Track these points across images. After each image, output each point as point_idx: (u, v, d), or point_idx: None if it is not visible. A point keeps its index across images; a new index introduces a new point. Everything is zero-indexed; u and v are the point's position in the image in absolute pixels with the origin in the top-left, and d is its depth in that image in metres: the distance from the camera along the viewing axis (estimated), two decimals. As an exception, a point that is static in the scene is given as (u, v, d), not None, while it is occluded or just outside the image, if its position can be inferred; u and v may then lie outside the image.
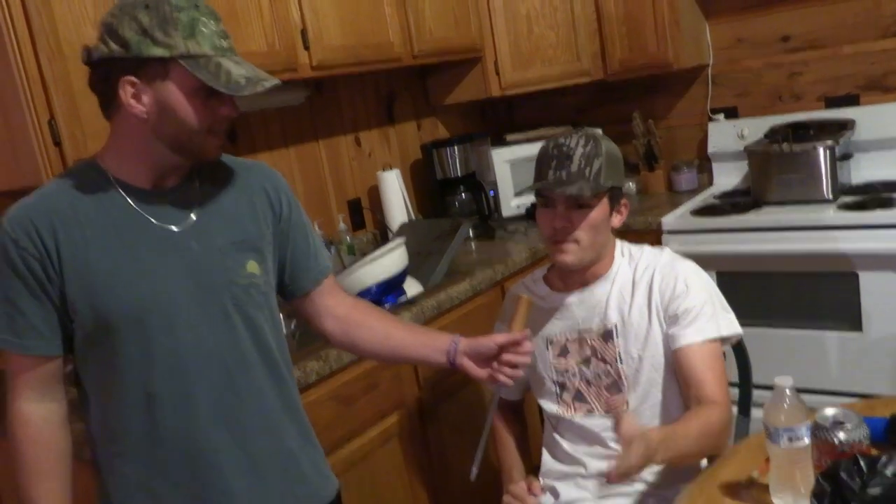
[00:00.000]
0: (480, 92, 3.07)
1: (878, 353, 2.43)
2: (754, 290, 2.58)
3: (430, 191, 3.13)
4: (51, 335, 1.25)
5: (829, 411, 1.17)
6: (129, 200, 1.26)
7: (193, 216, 1.30)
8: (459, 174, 3.03)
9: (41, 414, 1.27)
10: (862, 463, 1.06)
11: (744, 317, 1.63)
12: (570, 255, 1.59)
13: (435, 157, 3.03)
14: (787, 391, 1.22)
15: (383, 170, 2.88)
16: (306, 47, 2.27)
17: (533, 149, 3.14)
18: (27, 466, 1.27)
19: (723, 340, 1.58)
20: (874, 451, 1.10)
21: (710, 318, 1.55)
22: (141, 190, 1.27)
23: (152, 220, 1.27)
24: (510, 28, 3.02)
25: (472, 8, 2.93)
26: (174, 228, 1.28)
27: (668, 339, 1.57)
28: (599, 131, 1.64)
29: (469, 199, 3.04)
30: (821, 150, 2.61)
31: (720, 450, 1.48)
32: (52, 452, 1.28)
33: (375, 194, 2.92)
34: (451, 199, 3.06)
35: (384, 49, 2.54)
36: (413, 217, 2.89)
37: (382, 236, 2.89)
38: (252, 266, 1.34)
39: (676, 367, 1.56)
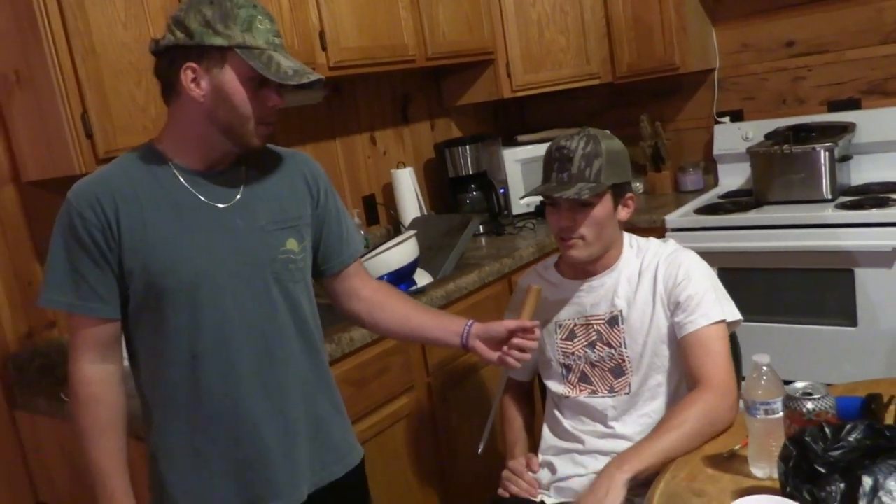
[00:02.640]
0: (492, 93, 3.17)
1: (872, 348, 2.51)
2: (754, 285, 2.67)
3: (443, 188, 3.24)
4: (110, 300, 1.36)
5: (799, 384, 1.26)
6: (183, 180, 1.38)
7: (239, 196, 1.43)
8: (471, 172, 3.13)
9: (100, 375, 1.39)
10: (827, 430, 1.15)
11: (743, 311, 1.70)
12: (577, 250, 1.68)
13: (448, 156, 3.14)
14: (764, 367, 1.31)
15: (397, 167, 3.00)
16: (324, 48, 2.39)
17: (543, 149, 3.25)
18: (87, 424, 1.39)
19: (727, 325, 1.64)
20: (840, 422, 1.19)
21: (712, 303, 1.63)
22: (193, 171, 1.40)
23: (202, 198, 1.39)
24: (522, 32, 3.12)
25: (485, 12, 3.04)
26: (222, 206, 1.40)
27: (673, 328, 1.65)
28: (603, 131, 1.70)
29: (480, 196, 3.15)
30: (821, 152, 2.69)
31: (720, 427, 1.51)
32: (110, 410, 1.40)
33: (389, 191, 3.04)
34: (462, 197, 3.17)
35: (399, 50, 2.65)
36: (425, 213, 3.00)
37: (395, 231, 3.00)
38: (291, 244, 1.46)
39: (681, 353, 1.64)
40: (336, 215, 1.59)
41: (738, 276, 2.65)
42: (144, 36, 1.93)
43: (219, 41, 1.30)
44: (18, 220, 2.03)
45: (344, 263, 1.61)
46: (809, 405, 1.21)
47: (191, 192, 1.39)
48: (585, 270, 1.76)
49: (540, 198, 1.77)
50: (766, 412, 1.29)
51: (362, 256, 2.32)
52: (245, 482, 1.42)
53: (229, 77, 1.32)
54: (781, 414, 1.28)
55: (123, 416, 1.42)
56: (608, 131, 1.73)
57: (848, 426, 1.15)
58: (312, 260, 1.56)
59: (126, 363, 1.48)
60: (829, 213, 2.57)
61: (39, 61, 1.81)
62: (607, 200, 1.67)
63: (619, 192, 1.70)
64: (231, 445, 1.41)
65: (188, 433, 1.41)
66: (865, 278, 2.49)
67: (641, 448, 1.49)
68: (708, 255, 1.74)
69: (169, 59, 1.34)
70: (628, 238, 1.79)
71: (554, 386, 1.80)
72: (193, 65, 1.31)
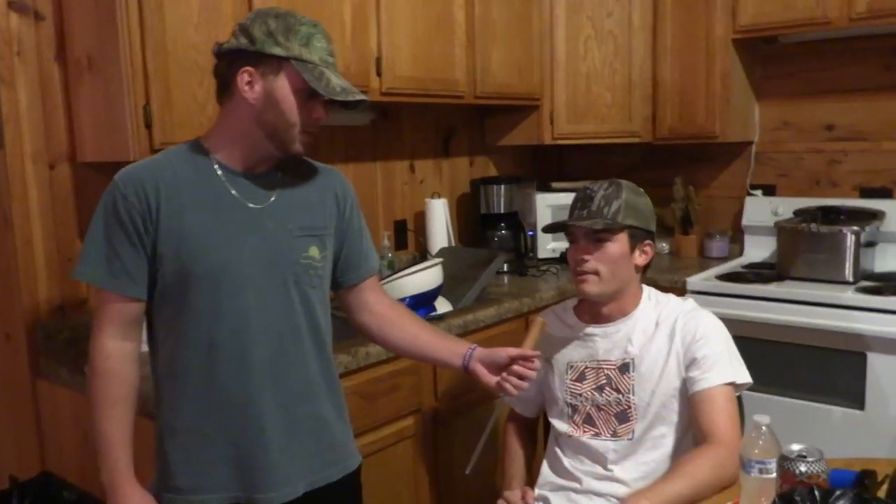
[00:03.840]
0: (533, 138, 3.27)
1: (877, 432, 2.52)
2: (766, 357, 2.69)
3: (473, 223, 3.32)
4: (139, 280, 1.44)
5: (795, 446, 1.29)
6: (222, 176, 1.47)
7: (273, 199, 1.50)
8: (503, 211, 3.20)
9: (119, 350, 1.45)
10: (816, 493, 1.18)
11: (752, 381, 1.73)
12: (590, 284, 1.75)
13: (482, 193, 3.21)
14: (764, 428, 1.35)
15: (432, 197, 3.08)
16: (379, 73, 2.48)
17: (575, 198, 3.34)
18: (101, 395, 1.45)
19: (735, 387, 1.69)
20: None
21: (726, 364, 1.68)
22: (234, 170, 1.48)
23: (238, 195, 1.47)
24: (569, 83, 3.22)
25: (537, 60, 3.14)
26: (254, 206, 1.48)
27: (685, 382, 1.70)
28: (630, 183, 1.79)
29: (508, 236, 3.21)
30: (847, 234, 2.73)
31: (726, 483, 1.54)
32: (124, 385, 1.46)
33: (421, 219, 3.12)
34: (491, 234, 3.23)
35: (449, 85, 2.75)
36: (453, 244, 3.07)
37: (422, 258, 3.06)
38: (314, 251, 1.53)
39: (691, 409, 1.68)
40: (358, 232, 1.67)
41: (751, 345, 2.65)
42: (213, 39, 2.01)
43: (278, 51, 1.39)
44: (68, 197, 2.13)
45: (361, 277, 1.68)
46: (803, 467, 1.24)
47: (227, 188, 1.47)
48: (602, 315, 1.81)
49: (565, 245, 1.84)
50: (761, 471, 1.32)
51: (386, 277, 2.40)
52: (243, 469, 1.48)
53: (282, 85, 1.41)
54: (775, 475, 1.31)
55: (135, 392, 1.48)
56: (635, 185, 1.81)
57: (837, 492, 1.18)
58: (332, 271, 1.63)
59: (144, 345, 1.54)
60: (849, 296, 2.60)
61: (112, 50, 1.92)
62: (623, 241, 1.74)
63: (636, 236, 1.76)
64: (235, 432, 1.47)
65: (197, 415, 1.47)
66: (877, 363, 2.51)
67: (660, 489, 1.52)
68: (724, 322, 1.78)
69: (228, 61, 1.44)
70: (647, 290, 1.84)
71: (558, 424, 1.84)
72: (251, 69, 1.41)
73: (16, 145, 2.03)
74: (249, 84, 1.42)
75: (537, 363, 1.61)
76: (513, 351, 1.59)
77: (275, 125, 1.44)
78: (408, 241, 3.13)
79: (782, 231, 2.91)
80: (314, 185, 1.59)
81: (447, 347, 1.67)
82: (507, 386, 1.58)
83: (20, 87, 2.03)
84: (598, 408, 1.78)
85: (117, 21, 1.89)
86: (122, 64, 1.91)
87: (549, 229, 1.91)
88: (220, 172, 1.47)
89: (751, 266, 3.12)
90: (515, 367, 1.58)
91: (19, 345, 2.11)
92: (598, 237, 1.72)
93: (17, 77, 2.02)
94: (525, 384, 1.59)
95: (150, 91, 1.93)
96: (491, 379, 1.61)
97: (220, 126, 1.50)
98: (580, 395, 1.80)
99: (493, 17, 2.91)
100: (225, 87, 1.46)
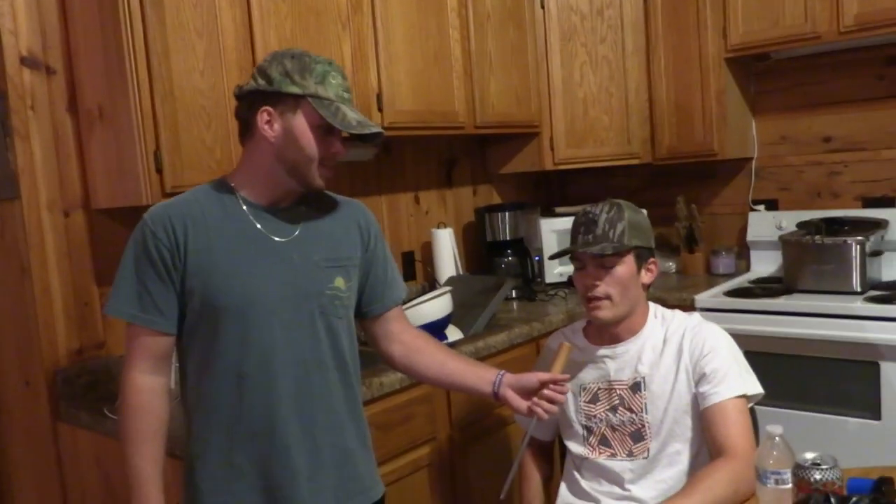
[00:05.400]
0: (535, 164, 3.31)
1: (895, 442, 2.51)
2: (779, 371, 2.70)
3: (480, 251, 3.35)
4: (169, 315, 1.48)
5: (809, 455, 1.31)
6: (247, 211, 1.52)
7: (297, 232, 1.55)
8: (508, 238, 3.25)
9: (150, 384, 1.50)
10: (833, 500, 1.20)
11: (766, 396, 1.75)
12: (604, 310, 1.77)
13: (487, 221, 3.26)
14: (777, 438, 1.36)
15: (438, 227, 3.12)
16: (380, 109, 2.54)
17: (579, 222, 3.37)
18: (133, 430, 1.49)
19: (747, 399, 1.71)
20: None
21: (736, 377, 1.70)
22: (258, 205, 1.53)
23: (263, 230, 1.52)
24: (567, 109, 3.27)
25: (534, 88, 3.20)
26: (280, 240, 1.53)
27: (696, 398, 1.71)
28: (628, 202, 1.82)
29: (515, 262, 3.24)
30: (852, 245, 2.75)
31: (743, 496, 1.55)
32: (156, 420, 1.50)
33: (428, 249, 3.15)
34: (498, 261, 3.27)
35: (449, 117, 2.80)
36: (461, 273, 3.10)
37: (431, 288, 3.09)
38: (339, 282, 1.57)
39: (704, 423, 1.69)
40: (383, 262, 1.71)
41: (763, 360, 2.67)
42: (218, 84, 2.09)
43: (294, 90, 1.45)
44: (83, 244, 2.17)
45: (386, 307, 1.71)
46: (818, 475, 1.26)
47: (253, 223, 1.52)
48: (611, 336, 1.83)
49: (572, 269, 1.86)
50: (777, 481, 1.34)
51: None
52: (272, 498, 1.51)
53: (300, 122, 1.47)
54: (791, 485, 1.33)
55: (166, 427, 1.52)
56: (633, 204, 1.83)
57: (854, 499, 1.20)
58: (357, 301, 1.66)
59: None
60: (858, 306, 2.61)
61: (122, 99, 1.97)
62: (630, 261, 1.76)
63: (641, 255, 1.79)
64: (264, 463, 1.50)
65: (226, 446, 1.50)
66: (891, 372, 2.51)
67: None
68: (734, 338, 1.80)
69: (248, 103, 1.50)
70: (654, 308, 1.87)
71: (574, 447, 1.85)
72: (269, 108, 1.47)
73: (31, 195, 2.08)
74: (269, 123, 1.47)
75: (567, 387, 1.64)
76: (543, 375, 1.62)
77: (295, 161, 1.49)
78: (416, 271, 3.16)
79: (787, 245, 2.93)
80: (337, 217, 1.64)
81: (476, 374, 1.70)
82: (539, 410, 1.61)
83: (34, 140, 2.08)
84: (613, 428, 1.79)
85: (126, 71, 1.94)
86: (133, 112, 1.96)
87: (556, 256, 1.94)
88: (245, 208, 1.52)
89: (758, 281, 3.14)
90: (546, 392, 1.61)
91: (39, 390, 2.14)
92: (607, 261, 1.75)
93: (31, 130, 2.07)
94: (556, 408, 1.62)
95: (160, 137, 1.98)
96: (522, 404, 1.63)
97: (243, 164, 1.56)
98: (594, 416, 1.82)
99: (488, 49, 2.97)
100: (246, 127, 1.52)
